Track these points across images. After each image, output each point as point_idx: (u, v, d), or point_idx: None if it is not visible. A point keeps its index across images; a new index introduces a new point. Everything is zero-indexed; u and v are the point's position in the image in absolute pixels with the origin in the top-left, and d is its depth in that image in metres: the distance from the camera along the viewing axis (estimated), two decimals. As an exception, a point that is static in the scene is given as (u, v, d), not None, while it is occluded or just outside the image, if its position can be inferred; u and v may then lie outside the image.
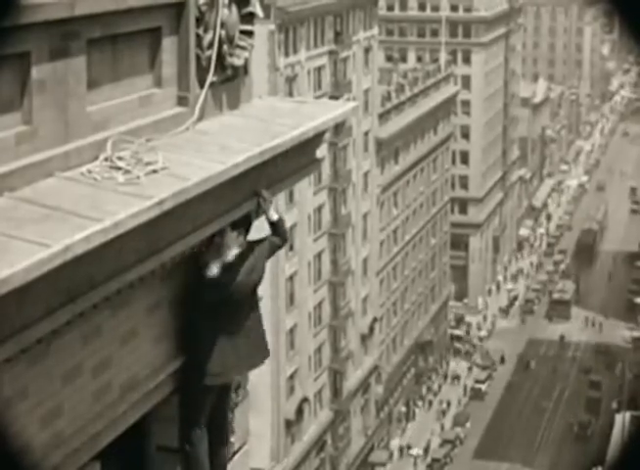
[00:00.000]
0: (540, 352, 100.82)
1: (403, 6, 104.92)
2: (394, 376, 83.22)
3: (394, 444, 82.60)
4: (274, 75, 58.54)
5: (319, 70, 65.65)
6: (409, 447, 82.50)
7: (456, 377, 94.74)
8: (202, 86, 8.26)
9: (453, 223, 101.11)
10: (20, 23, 6.29)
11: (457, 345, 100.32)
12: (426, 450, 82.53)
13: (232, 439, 8.91)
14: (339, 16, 67.89)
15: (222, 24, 8.34)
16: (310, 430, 66.67)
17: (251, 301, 8.27)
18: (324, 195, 66.75)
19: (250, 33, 8.75)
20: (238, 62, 8.62)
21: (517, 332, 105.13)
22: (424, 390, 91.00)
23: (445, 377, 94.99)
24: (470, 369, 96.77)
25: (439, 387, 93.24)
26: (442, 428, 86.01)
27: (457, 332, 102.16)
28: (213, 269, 7.90)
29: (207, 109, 8.39)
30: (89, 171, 6.91)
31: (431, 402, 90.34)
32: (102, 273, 6.64)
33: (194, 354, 7.93)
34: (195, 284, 7.91)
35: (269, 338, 8.78)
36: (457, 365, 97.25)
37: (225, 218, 8.03)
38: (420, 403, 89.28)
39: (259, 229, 8.32)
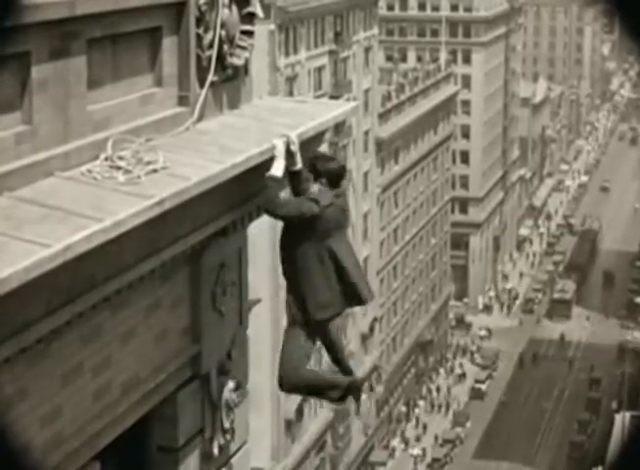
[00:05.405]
0: (540, 351, 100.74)
1: (403, 6, 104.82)
2: (395, 376, 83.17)
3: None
4: (274, 75, 58.48)
5: (319, 69, 65.60)
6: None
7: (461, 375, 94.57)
8: (202, 86, 8.26)
9: (453, 223, 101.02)
10: (20, 23, 6.27)
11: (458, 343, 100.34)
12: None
13: (232, 438, 8.91)
14: (339, 16, 67.84)
15: (222, 24, 8.33)
16: (310, 429, 66.61)
17: None
18: (324, 195, 66.65)
19: (250, 33, 8.75)
20: (238, 62, 8.62)
21: (517, 331, 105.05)
22: (424, 389, 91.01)
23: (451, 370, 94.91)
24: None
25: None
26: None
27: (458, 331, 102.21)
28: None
29: (208, 108, 8.38)
30: (89, 171, 6.90)
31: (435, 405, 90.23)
32: (102, 273, 6.63)
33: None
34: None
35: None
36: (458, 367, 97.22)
37: (225, 218, 8.02)
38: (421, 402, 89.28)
39: None
